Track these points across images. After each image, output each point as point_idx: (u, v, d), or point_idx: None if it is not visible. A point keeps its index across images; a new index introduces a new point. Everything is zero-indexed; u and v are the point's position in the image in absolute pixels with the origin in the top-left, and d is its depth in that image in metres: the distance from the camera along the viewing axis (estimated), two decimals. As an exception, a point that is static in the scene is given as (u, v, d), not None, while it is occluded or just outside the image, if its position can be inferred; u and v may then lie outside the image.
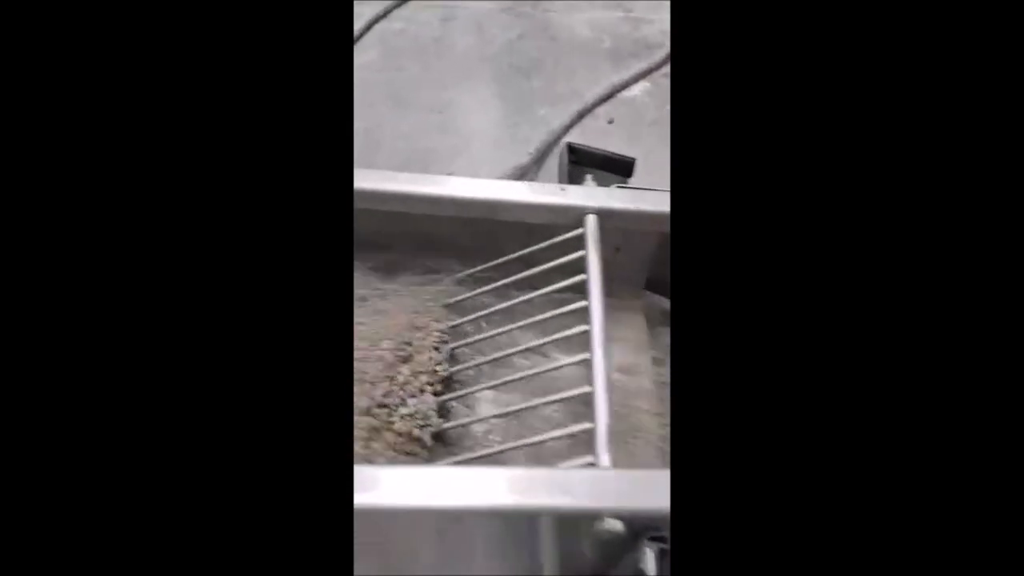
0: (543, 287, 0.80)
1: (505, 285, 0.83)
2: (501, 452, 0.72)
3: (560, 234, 0.81)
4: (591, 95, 1.42)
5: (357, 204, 0.82)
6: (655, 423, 0.82)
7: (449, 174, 0.93)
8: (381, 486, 0.58)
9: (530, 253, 0.82)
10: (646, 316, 0.91)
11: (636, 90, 1.45)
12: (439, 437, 0.76)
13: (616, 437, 0.68)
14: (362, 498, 0.55)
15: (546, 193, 0.81)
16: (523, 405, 0.73)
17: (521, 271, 0.83)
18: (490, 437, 0.79)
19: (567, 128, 1.40)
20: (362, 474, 0.57)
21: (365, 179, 0.82)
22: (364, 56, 1.45)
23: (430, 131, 1.37)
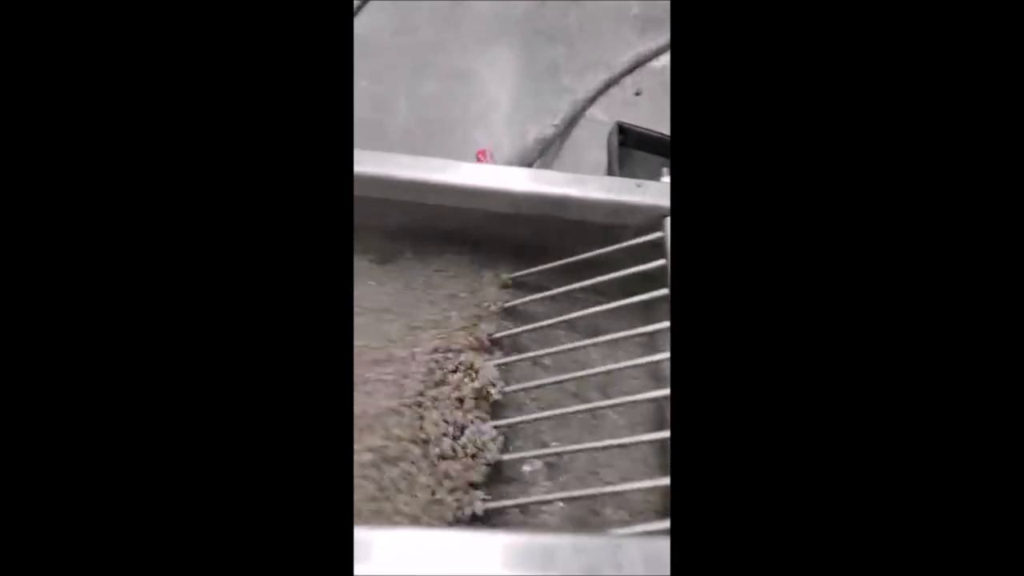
0: (608, 294, 0.71)
1: (562, 292, 0.73)
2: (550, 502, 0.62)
3: (629, 236, 0.71)
4: (618, 64, 1.31)
5: (393, 195, 0.71)
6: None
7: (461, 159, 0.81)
8: (373, 557, 0.47)
9: (595, 256, 0.72)
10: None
11: (665, 60, 1.35)
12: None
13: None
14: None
15: (620, 190, 0.70)
16: (581, 446, 0.63)
17: (573, 274, 0.73)
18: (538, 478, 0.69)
19: (592, 99, 1.30)
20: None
21: (406, 167, 0.71)
22: (376, 19, 1.32)
23: (448, 100, 1.25)
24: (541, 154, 1.22)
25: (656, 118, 1.32)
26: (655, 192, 0.70)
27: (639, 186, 0.70)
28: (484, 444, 0.64)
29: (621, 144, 0.88)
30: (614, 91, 1.30)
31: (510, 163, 1.18)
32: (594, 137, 1.23)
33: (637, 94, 1.30)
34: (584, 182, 0.70)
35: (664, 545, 0.48)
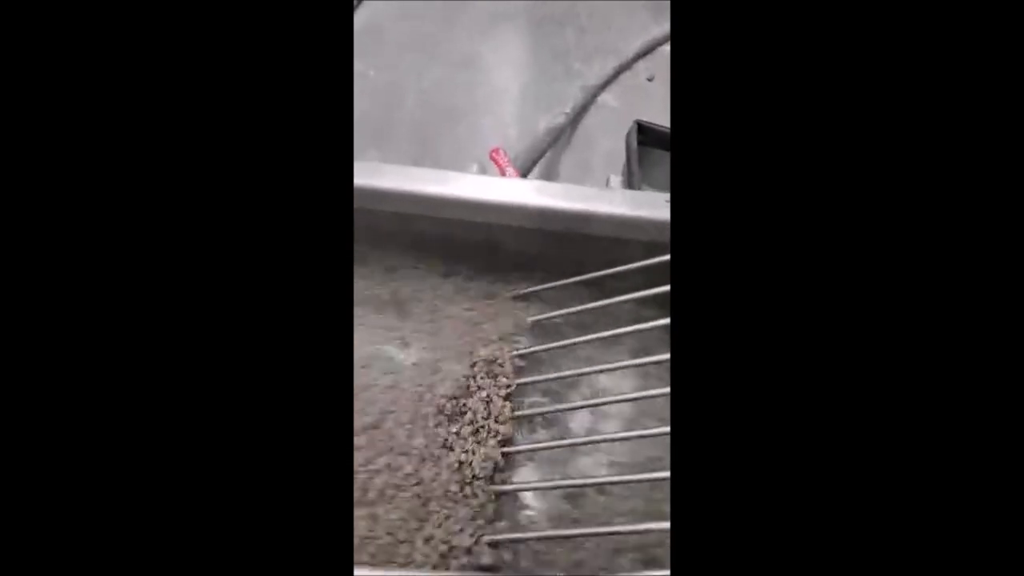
0: (631, 314, 0.68)
1: (588, 309, 0.69)
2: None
3: (660, 252, 0.67)
4: (629, 49, 1.27)
5: (405, 208, 0.68)
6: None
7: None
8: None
9: (624, 271, 0.68)
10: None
11: (677, 43, 1.30)
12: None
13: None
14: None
15: (649, 205, 0.67)
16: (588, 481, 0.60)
17: (598, 290, 0.69)
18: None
19: (604, 85, 1.25)
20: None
21: (416, 180, 0.67)
22: (380, 5, 1.27)
23: (455, 87, 1.21)
24: (552, 143, 1.18)
25: (669, 104, 1.27)
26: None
27: (668, 202, 0.66)
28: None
29: (640, 144, 0.84)
30: (626, 77, 1.26)
31: (520, 155, 1.14)
32: (605, 125, 1.19)
33: (649, 79, 1.26)
34: (611, 198, 0.67)
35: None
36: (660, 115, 1.08)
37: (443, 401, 0.65)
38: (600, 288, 0.70)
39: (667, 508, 0.61)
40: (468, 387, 0.67)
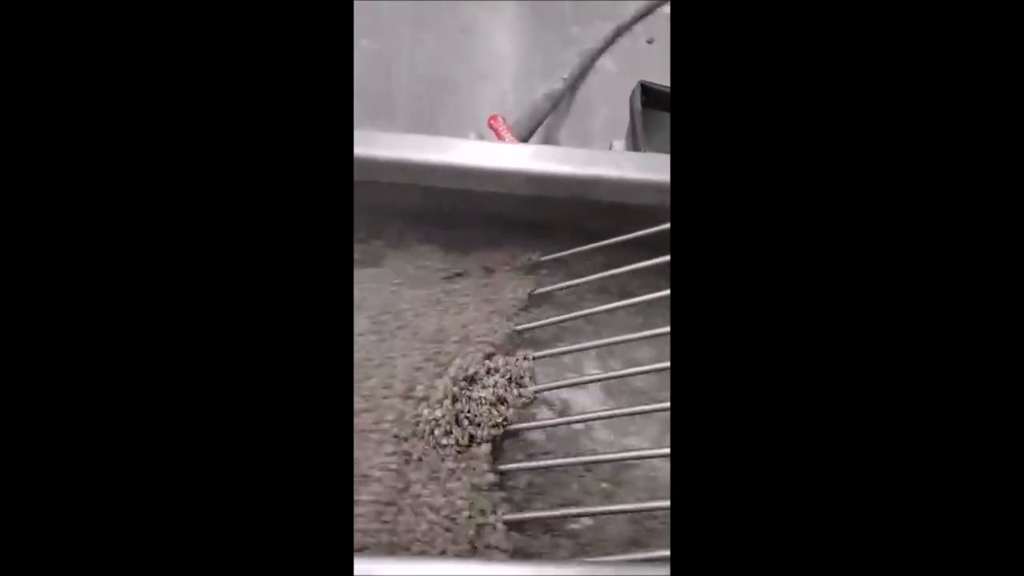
0: (637, 283, 0.63)
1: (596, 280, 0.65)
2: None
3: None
4: (628, 12, 1.21)
5: (401, 178, 0.63)
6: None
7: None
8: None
9: (632, 239, 0.64)
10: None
11: (677, 4, 1.24)
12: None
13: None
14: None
15: (654, 168, 0.62)
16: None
17: (607, 256, 0.65)
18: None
19: (602, 49, 1.20)
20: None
21: (410, 148, 0.63)
22: (371, -33, 1.21)
23: (451, 54, 1.16)
24: (551, 110, 1.13)
25: (667, 66, 1.22)
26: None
27: (676, 163, 0.62)
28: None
29: (644, 105, 0.79)
30: (625, 40, 1.20)
31: (519, 121, 1.09)
32: (605, 90, 1.14)
33: (649, 42, 1.21)
34: (617, 161, 0.62)
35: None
36: (660, 77, 1.03)
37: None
38: (609, 255, 0.65)
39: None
40: (466, 363, 0.62)
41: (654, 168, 0.61)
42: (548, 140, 1.11)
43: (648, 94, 0.80)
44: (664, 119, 0.83)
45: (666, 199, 0.62)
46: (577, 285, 0.65)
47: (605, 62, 1.20)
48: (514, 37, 1.20)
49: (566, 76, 1.15)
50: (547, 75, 1.15)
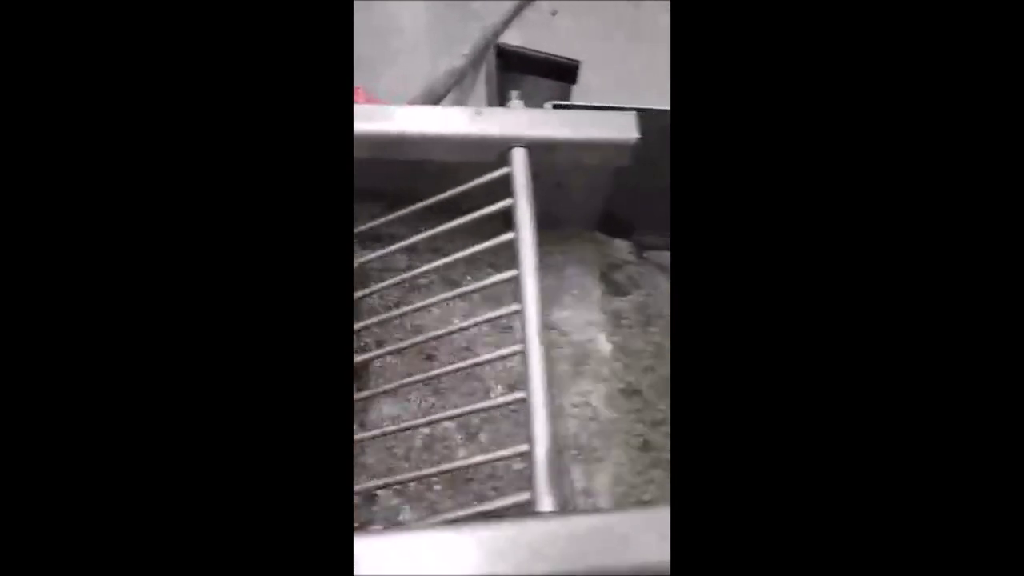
0: (460, 243, 0.58)
1: (412, 245, 0.60)
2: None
3: (479, 174, 0.58)
4: (532, -18, 1.17)
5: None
6: (622, 408, 0.61)
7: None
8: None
9: (439, 202, 0.59)
10: (601, 264, 0.69)
11: (583, -26, 1.20)
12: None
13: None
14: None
15: (456, 121, 0.57)
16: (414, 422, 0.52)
17: (421, 222, 0.60)
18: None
19: (506, 23, 1.15)
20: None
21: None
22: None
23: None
24: (453, 86, 1.09)
25: (575, 38, 1.17)
26: (499, 120, 0.57)
27: (479, 114, 0.57)
28: None
29: (502, 68, 0.74)
30: (528, 13, 1.16)
31: (416, 99, 1.05)
32: (509, 65, 1.09)
33: (553, 14, 1.16)
34: (414, 115, 0.57)
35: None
36: (565, 49, 0.99)
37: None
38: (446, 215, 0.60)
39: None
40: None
41: (456, 120, 0.56)
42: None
43: (504, 56, 0.75)
44: (530, 82, 0.78)
45: (469, 154, 0.57)
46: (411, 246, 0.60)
47: (510, 36, 1.15)
48: (415, 13, 1.16)
49: (467, 52, 1.10)
50: (448, 51, 1.10)
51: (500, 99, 0.76)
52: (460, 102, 1.12)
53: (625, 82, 1.09)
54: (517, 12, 1.15)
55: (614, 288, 0.68)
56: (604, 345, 0.64)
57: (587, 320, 0.65)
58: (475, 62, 1.12)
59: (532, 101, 0.65)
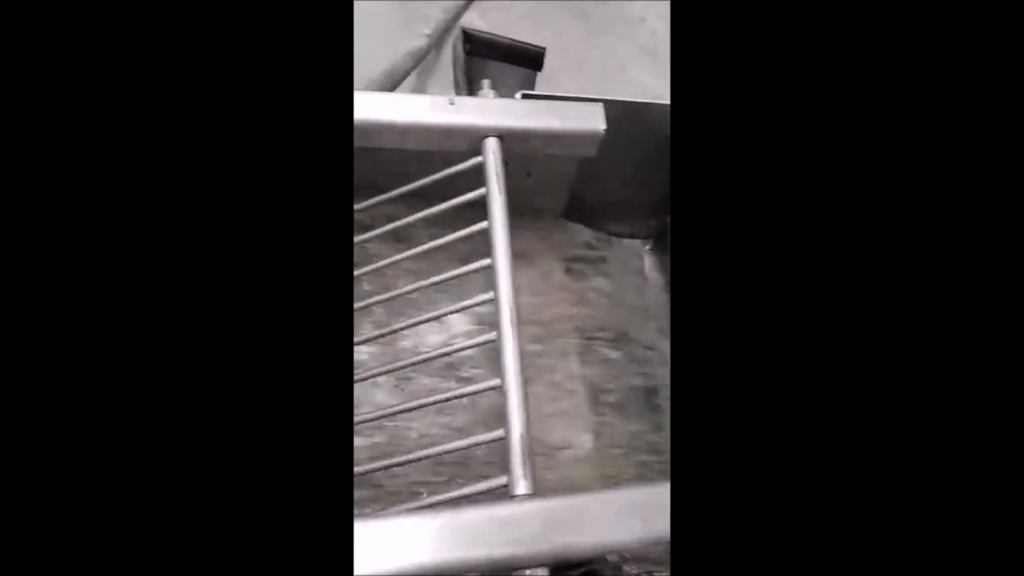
0: (427, 233, 0.58)
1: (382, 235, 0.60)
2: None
3: (451, 162, 0.58)
4: (493, -38, 1.15)
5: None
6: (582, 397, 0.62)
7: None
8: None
9: (411, 191, 0.59)
10: (566, 251, 0.69)
11: (545, -45, 1.19)
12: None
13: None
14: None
15: (430, 110, 0.56)
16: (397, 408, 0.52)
17: (403, 212, 0.59)
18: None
19: (467, 4, 1.14)
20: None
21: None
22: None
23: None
24: (414, 67, 1.07)
25: (536, 20, 1.16)
26: (472, 109, 0.57)
27: (453, 104, 0.56)
28: None
29: (468, 53, 0.73)
30: (488, -8, 1.15)
31: (376, 79, 1.03)
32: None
33: (515, -6, 1.15)
34: (388, 103, 0.56)
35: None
36: (527, 33, 0.98)
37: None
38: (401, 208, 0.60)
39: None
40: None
41: (430, 109, 0.56)
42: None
43: (471, 41, 0.74)
44: (492, 68, 0.78)
45: (442, 143, 0.57)
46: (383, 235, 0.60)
47: (472, 17, 1.14)
48: (374, -11, 1.13)
49: (428, 32, 1.09)
50: (409, 31, 1.08)
51: (468, 84, 0.76)
52: (423, 82, 1.11)
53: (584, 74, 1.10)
54: (478, -8, 1.14)
55: (578, 275, 0.69)
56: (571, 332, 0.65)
57: (553, 307, 0.66)
58: (437, 42, 1.11)
59: (497, 88, 0.65)
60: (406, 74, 1.07)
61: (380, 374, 0.55)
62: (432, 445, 0.52)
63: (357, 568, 0.41)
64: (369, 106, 0.56)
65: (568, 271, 0.68)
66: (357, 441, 0.57)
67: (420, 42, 1.08)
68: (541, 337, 0.64)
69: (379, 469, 0.52)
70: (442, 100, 0.56)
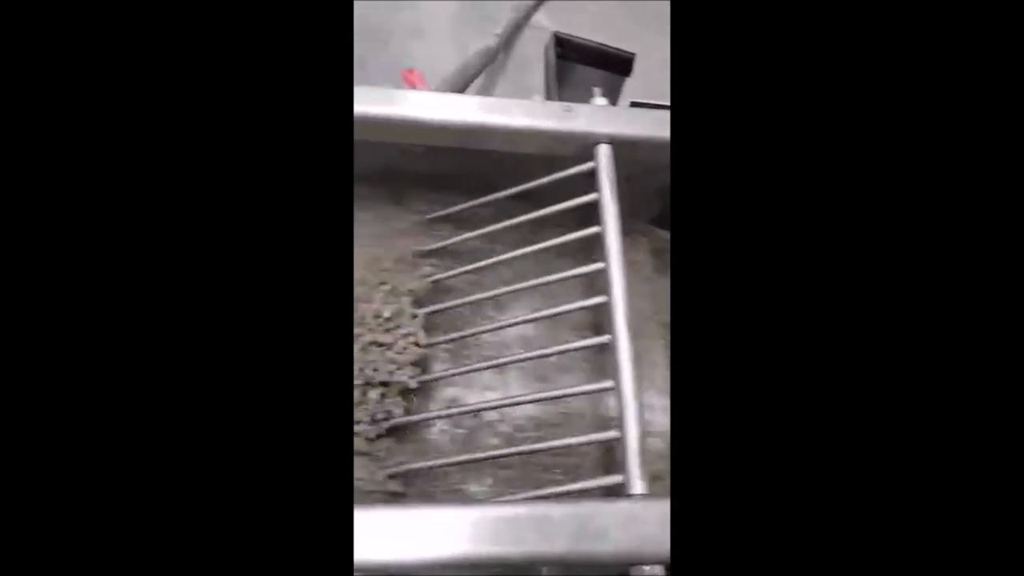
0: (539, 233, 0.60)
1: (488, 232, 0.61)
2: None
3: (554, 167, 0.59)
4: (564, -35, 1.17)
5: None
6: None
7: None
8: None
9: (522, 191, 0.60)
10: (654, 256, 0.70)
11: (615, -41, 1.20)
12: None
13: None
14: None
15: (546, 116, 0.58)
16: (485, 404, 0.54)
17: (500, 211, 0.61)
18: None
19: (537, 4, 1.15)
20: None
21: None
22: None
23: (381, 8, 1.10)
24: (484, 66, 1.09)
25: (604, 22, 1.17)
26: (587, 117, 0.58)
27: (568, 111, 0.58)
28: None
29: (559, 57, 0.74)
30: (560, -6, 1.16)
31: (448, 78, 1.05)
32: (540, 47, 1.09)
33: (585, -3, 1.16)
34: (507, 108, 0.58)
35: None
36: (595, 32, 0.99)
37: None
38: (509, 206, 0.61)
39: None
40: (370, 320, 0.59)
41: (546, 115, 0.57)
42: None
43: (563, 45, 0.76)
44: (580, 72, 0.79)
45: (559, 147, 0.58)
46: (480, 236, 0.61)
47: (540, 17, 1.15)
48: (445, -9, 1.15)
49: (499, 32, 1.10)
50: (480, 31, 1.10)
51: (558, 88, 0.77)
52: (492, 81, 1.12)
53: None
54: (549, -6, 1.15)
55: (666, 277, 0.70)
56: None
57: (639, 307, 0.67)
58: (507, 42, 1.12)
59: (584, 91, 0.67)
60: (477, 73, 1.09)
61: (480, 369, 0.57)
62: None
63: (492, 547, 0.43)
64: (484, 111, 0.58)
65: (657, 274, 0.69)
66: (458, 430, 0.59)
67: (491, 41, 1.10)
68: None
69: (472, 461, 0.54)
70: (556, 106, 0.58)
